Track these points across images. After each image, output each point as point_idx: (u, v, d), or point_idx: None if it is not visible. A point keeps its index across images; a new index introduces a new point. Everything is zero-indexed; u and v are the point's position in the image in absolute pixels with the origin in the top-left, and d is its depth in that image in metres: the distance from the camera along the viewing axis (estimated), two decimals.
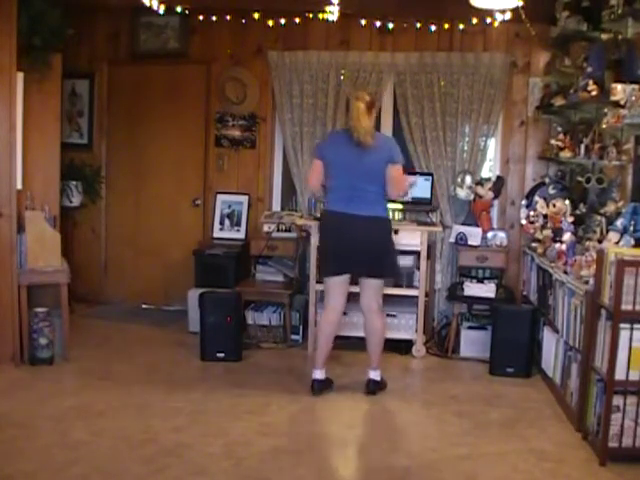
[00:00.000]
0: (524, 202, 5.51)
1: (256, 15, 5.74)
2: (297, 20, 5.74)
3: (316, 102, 5.86)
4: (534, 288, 5.09)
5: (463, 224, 5.62)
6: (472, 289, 5.23)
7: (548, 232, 4.88)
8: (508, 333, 4.80)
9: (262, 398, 4.23)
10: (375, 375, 4.40)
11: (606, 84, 4.29)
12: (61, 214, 5.22)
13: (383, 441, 3.77)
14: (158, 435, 3.64)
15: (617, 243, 3.92)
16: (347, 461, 3.47)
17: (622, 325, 3.38)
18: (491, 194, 5.52)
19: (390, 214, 4.70)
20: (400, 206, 5.47)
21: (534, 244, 5.06)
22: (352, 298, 4.53)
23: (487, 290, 5.20)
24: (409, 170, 5.15)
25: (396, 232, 5.20)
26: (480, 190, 5.52)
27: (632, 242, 3.87)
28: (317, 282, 5.05)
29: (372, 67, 5.79)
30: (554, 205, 4.94)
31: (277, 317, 5.39)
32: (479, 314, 5.39)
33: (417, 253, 5.23)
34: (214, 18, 5.83)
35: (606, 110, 4.27)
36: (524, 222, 5.30)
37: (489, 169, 5.96)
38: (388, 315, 5.25)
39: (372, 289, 4.37)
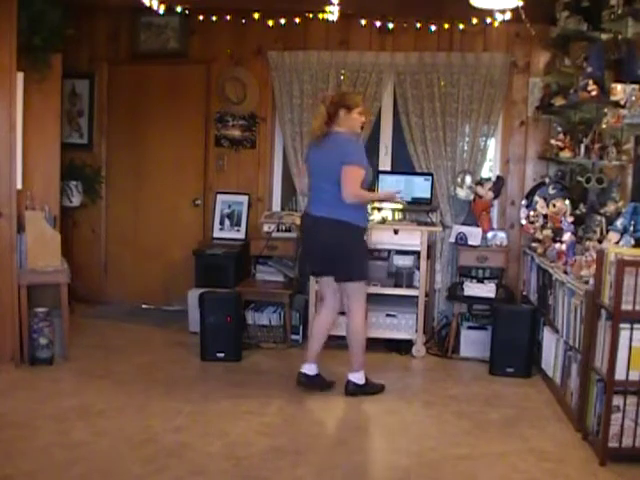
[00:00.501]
0: (524, 202, 5.52)
1: (256, 15, 5.74)
2: (297, 20, 5.74)
3: (316, 102, 5.86)
4: (534, 288, 5.09)
5: (463, 224, 5.62)
6: (472, 289, 5.23)
7: (548, 232, 4.88)
8: (508, 333, 4.80)
9: (262, 398, 4.22)
10: (354, 377, 4.32)
11: (606, 84, 4.28)
12: (61, 214, 5.23)
13: (383, 441, 3.78)
14: (158, 435, 3.64)
15: (617, 243, 3.92)
16: (347, 461, 3.47)
17: (622, 325, 3.38)
18: (491, 194, 5.52)
19: (364, 219, 4.31)
20: (400, 206, 5.46)
21: (534, 244, 5.07)
22: None
23: (487, 290, 5.20)
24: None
25: (396, 232, 5.21)
26: (480, 190, 5.52)
27: (632, 242, 3.87)
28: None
29: (372, 67, 5.79)
30: (554, 205, 4.95)
31: (277, 317, 5.39)
32: (479, 314, 5.39)
33: (417, 253, 5.24)
34: (214, 18, 5.84)
35: (606, 110, 4.27)
36: (524, 222, 5.31)
37: (489, 169, 5.96)
38: (388, 315, 5.26)
39: (343, 291, 4.34)
